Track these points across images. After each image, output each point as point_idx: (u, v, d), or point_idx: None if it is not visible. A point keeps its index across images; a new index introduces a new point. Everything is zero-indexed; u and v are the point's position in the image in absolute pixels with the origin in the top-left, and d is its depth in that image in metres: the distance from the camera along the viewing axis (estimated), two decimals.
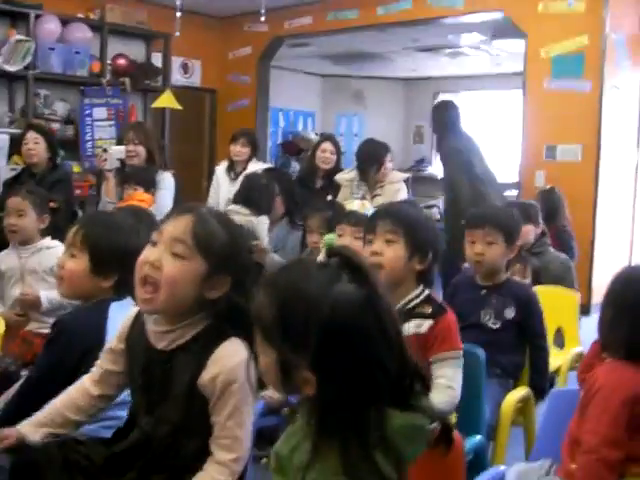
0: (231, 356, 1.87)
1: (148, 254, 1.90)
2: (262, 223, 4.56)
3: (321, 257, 1.52)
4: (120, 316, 2.22)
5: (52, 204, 3.92)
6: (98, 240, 2.43)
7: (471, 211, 3.57)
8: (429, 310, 2.52)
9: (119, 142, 5.48)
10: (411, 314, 2.52)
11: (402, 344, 1.46)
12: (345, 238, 3.68)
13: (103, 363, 2.14)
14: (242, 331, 1.89)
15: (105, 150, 5.26)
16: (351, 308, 1.38)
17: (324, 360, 1.37)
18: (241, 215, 4.54)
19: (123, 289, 2.40)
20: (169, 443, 1.94)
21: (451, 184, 6.45)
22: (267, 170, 5.32)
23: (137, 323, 2.06)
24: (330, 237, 3.78)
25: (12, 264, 3.77)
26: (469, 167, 6.38)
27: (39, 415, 2.14)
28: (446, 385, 2.42)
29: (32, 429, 2.10)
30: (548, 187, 6.50)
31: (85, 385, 2.16)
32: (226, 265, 1.88)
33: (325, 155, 5.90)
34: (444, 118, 6.93)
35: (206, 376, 1.87)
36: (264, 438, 3.19)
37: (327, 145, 5.98)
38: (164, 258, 1.86)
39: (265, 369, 1.45)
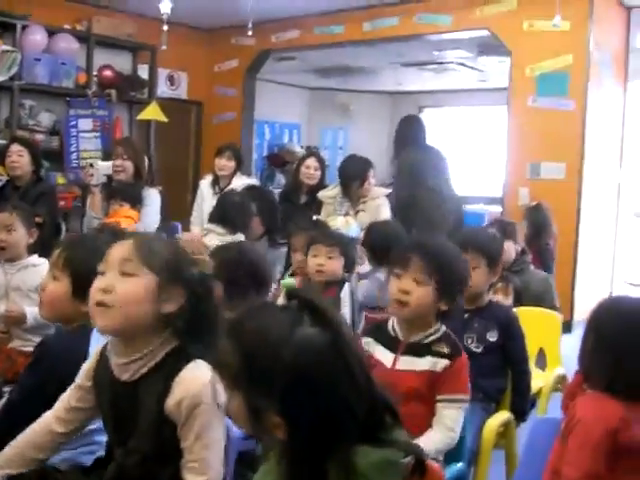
0: (194, 379, 1.88)
1: (98, 284, 1.93)
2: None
3: (281, 300, 1.55)
4: (101, 342, 2.21)
5: (37, 219, 3.92)
6: (79, 264, 2.42)
7: (453, 236, 3.59)
8: (446, 350, 2.49)
9: (106, 156, 5.49)
10: (427, 350, 2.51)
11: (370, 381, 1.45)
12: (320, 258, 3.70)
13: (71, 400, 2.11)
14: (206, 348, 1.91)
15: (92, 165, 5.26)
16: (313, 353, 1.38)
17: (290, 405, 1.36)
18: (217, 234, 4.55)
19: None
20: (142, 473, 1.94)
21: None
22: (248, 188, 5.32)
23: (102, 359, 2.06)
24: (288, 281, 3.82)
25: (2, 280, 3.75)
26: (416, 179, 6.38)
27: (2, 453, 2.10)
28: (449, 427, 2.43)
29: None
30: (535, 203, 6.49)
31: (48, 422, 2.12)
32: (175, 277, 1.92)
33: (309, 171, 5.92)
34: (406, 132, 6.95)
35: (171, 401, 1.88)
36: (245, 462, 3.19)
37: (311, 161, 6.00)
38: (115, 281, 1.90)
39: (235, 412, 1.45)
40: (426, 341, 2.52)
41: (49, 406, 2.25)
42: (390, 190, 6.09)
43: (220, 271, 2.91)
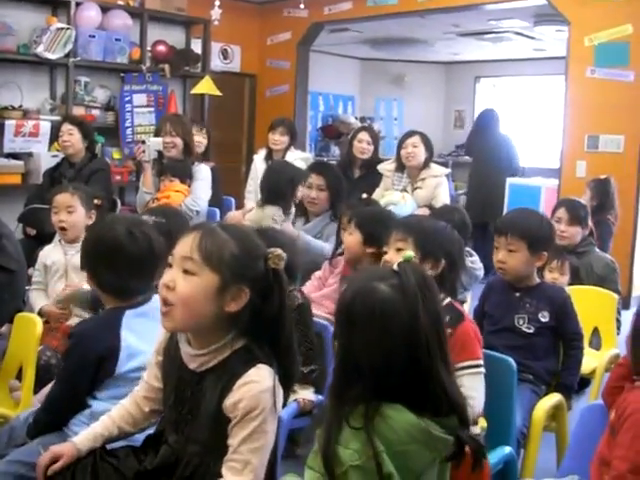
0: (256, 383, 1.86)
1: (164, 277, 1.93)
2: (268, 215, 4.61)
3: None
4: (133, 324, 2.35)
5: (96, 201, 3.96)
6: None
7: (500, 217, 3.55)
8: (446, 319, 2.48)
9: (157, 133, 5.52)
10: None
11: (437, 369, 1.64)
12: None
13: (148, 377, 2.17)
14: (272, 347, 1.92)
15: (144, 142, 5.32)
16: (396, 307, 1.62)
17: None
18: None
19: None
20: (197, 464, 1.95)
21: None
22: (315, 164, 5.27)
23: (173, 338, 2.08)
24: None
25: (57, 259, 3.81)
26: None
27: (95, 426, 2.19)
28: (466, 395, 2.39)
29: (87, 441, 2.15)
30: (603, 177, 6.33)
31: (136, 400, 2.20)
32: (239, 275, 1.87)
33: (362, 146, 5.91)
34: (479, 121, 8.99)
35: (230, 400, 1.87)
36: (294, 440, 3.23)
37: (363, 135, 5.98)
38: (177, 278, 1.89)
39: None
40: None
41: (90, 391, 2.39)
42: (449, 170, 6.07)
43: None
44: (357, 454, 1.56)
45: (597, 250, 4.77)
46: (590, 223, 4.80)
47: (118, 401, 2.29)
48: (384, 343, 1.61)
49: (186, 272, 1.88)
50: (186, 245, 1.90)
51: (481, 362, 2.49)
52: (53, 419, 2.44)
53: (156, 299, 2.26)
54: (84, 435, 2.18)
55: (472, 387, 2.42)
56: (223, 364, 1.92)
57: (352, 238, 3.67)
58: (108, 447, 2.20)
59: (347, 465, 1.56)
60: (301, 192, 4.79)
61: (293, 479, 1.82)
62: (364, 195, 4.23)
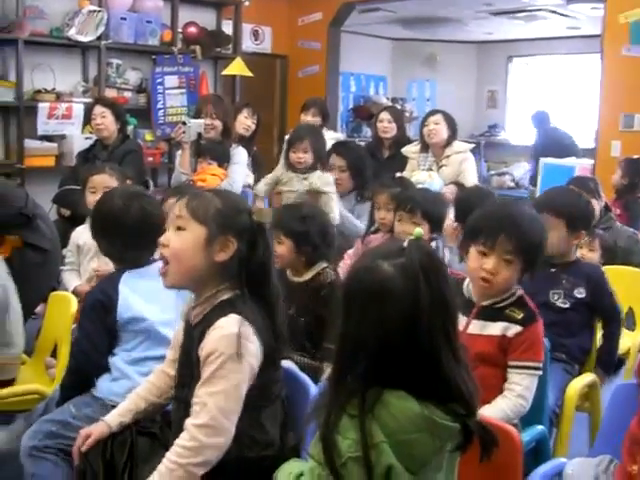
0: (219, 329, 1.94)
1: (160, 239, 2.09)
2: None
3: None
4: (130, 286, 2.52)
5: (128, 182, 3.98)
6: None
7: (540, 195, 3.51)
8: (520, 316, 2.43)
9: (194, 113, 5.53)
10: (500, 314, 2.46)
11: (440, 357, 1.57)
12: (403, 224, 3.62)
13: (173, 341, 2.25)
14: (262, 291, 2.04)
15: (184, 122, 5.32)
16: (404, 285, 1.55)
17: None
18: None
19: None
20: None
21: None
22: (336, 144, 5.27)
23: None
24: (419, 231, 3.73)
25: (89, 239, 3.83)
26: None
27: (123, 403, 2.26)
28: (519, 394, 2.38)
29: (116, 417, 2.21)
30: (636, 157, 6.25)
31: (161, 368, 2.28)
32: (225, 227, 2.02)
33: (383, 125, 5.93)
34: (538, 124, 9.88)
35: (200, 346, 1.97)
36: None
37: (384, 115, 6.01)
38: (171, 235, 2.06)
39: None
40: (500, 305, 2.47)
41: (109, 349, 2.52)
42: (473, 144, 6.03)
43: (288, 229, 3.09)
44: (355, 445, 1.51)
45: (618, 224, 4.81)
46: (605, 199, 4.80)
47: (131, 354, 2.48)
48: (382, 326, 1.54)
49: (178, 229, 2.05)
50: (177, 206, 2.08)
51: (541, 365, 2.45)
52: (76, 379, 2.56)
53: (156, 265, 2.42)
54: (113, 412, 2.24)
55: (527, 387, 2.40)
56: (208, 315, 2.03)
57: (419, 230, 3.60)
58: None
59: (346, 457, 1.51)
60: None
61: (296, 464, 1.80)
62: (397, 174, 4.22)
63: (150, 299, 2.54)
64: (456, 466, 1.67)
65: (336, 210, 4.52)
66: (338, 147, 5.15)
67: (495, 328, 2.44)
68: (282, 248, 3.10)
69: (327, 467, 1.53)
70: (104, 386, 2.47)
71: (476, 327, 2.47)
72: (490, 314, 2.47)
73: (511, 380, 2.41)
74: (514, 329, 2.42)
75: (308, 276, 3.16)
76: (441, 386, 1.56)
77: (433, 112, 5.74)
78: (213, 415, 1.89)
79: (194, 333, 2.04)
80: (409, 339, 1.54)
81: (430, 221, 3.57)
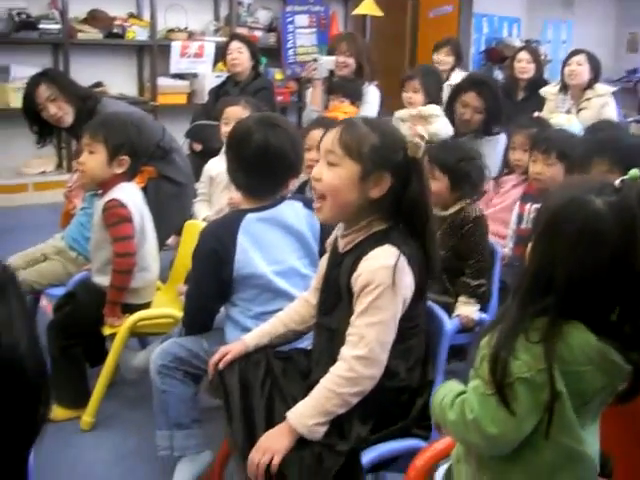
0: (376, 259, 1.91)
1: (312, 171, 2.05)
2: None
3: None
4: (251, 227, 2.44)
5: None
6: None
7: None
8: None
9: (330, 52, 5.49)
10: None
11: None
12: (537, 165, 3.48)
13: (319, 269, 2.23)
14: (414, 233, 1.99)
15: (316, 59, 5.29)
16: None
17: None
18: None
19: None
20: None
21: None
22: (477, 81, 5.01)
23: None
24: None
25: (222, 170, 3.85)
26: None
27: (263, 325, 2.28)
28: None
29: (254, 338, 2.23)
30: None
31: (306, 296, 2.27)
32: (379, 164, 1.95)
33: (521, 65, 5.84)
34: None
35: (354, 275, 1.94)
36: (456, 355, 3.18)
37: (523, 54, 5.95)
38: (323, 170, 2.01)
39: None
40: None
41: (224, 289, 2.46)
42: (615, 88, 5.76)
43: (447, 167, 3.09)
44: (526, 366, 1.47)
45: None
46: None
47: (251, 307, 2.43)
48: (588, 262, 1.48)
49: (330, 164, 1.99)
50: (329, 139, 2.01)
51: None
52: (190, 323, 2.57)
53: (282, 208, 2.44)
54: (251, 333, 2.26)
55: None
56: (358, 245, 2.00)
57: (553, 170, 3.46)
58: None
59: (515, 377, 1.48)
60: None
61: (454, 384, 1.75)
62: (535, 114, 4.04)
63: (269, 250, 2.45)
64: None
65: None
66: (477, 83, 4.57)
67: None
68: (437, 184, 3.02)
69: (493, 386, 1.50)
70: (232, 335, 2.44)
71: None
72: None
73: None
74: None
75: (452, 210, 3.12)
76: (628, 330, 1.50)
77: (576, 52, 5.59)
78: (372, 347, 1.89)
79: (344, 261, 2.02)
80: (613, 280, 1.48)
81: (566, 163, 3.40)
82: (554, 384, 1.46)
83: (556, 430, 1.49)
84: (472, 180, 3.11)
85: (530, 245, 1.59)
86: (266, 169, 2.46)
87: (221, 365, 2.16)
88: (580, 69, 5.39)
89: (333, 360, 1.95)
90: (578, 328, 1.49)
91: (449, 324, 2.29)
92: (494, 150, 4.23)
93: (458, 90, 4.51)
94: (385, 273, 1.88)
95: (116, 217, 3.02)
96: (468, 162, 3.13)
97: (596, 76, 5.46)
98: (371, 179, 1.96)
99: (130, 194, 3.10)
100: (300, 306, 2.27)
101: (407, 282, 1.93)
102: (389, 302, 1.89)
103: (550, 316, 1.49)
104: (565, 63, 5.51)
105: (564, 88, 5.48)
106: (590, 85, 5.42)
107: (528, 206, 3.56)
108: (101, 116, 3.51)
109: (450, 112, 4.49)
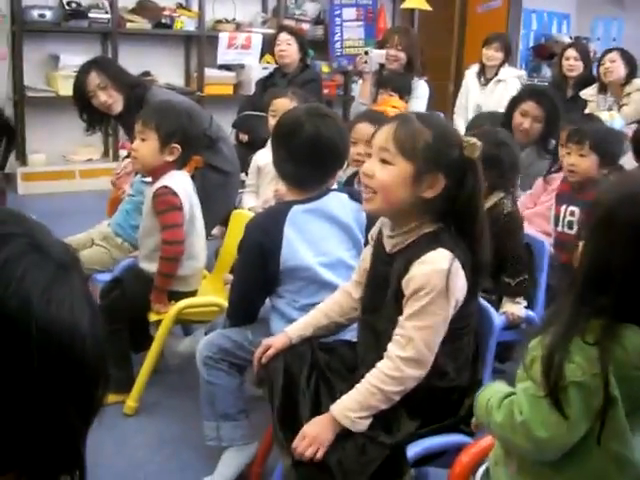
0: (430, 263, 1.89)
1: (364, 166, 2.03)
2: None
3: None
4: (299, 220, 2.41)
5: None
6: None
7: None
8: None
9: (381, 45, 5.48)
10: None
11: None
12: (571, 157, 3.43)
13: (361, 264, 2.22)
14: (464, 235, 1.96)
15: (366, 52, 5.28)
16: None
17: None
18: None
19: None
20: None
21: None
22: (536, 92, 4.85)
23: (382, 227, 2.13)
24: None
25: (270, 161, 3.84)
26: None
27: (305, 317, 2.28)
28: None
29: (297, 330, 2.23)
30: None
31: (345, 288, 2.27)
32: (433, 163, 1.92)
33: (569, 62, 5.83)
34: None
35: (405, 278, 1.92)
36: (503, 352, 3.15)
37: (570, 52, 5.90)
38: (375, 166, 1.97)
39: None
40: None
41: (269, 282, 2.44)
42: None
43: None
44: (580, 370, 1.43)
45: None
46: None
47: (297, 299, 2.41)
48: None
49: (383, 161, 1.96)
50: (382, 135, 1.98)
51: None
52: (235, 313, 2.56)
53: (328, 200, 2.41)
54: (294, 325, 2.26)
55: None
56: (411, 246, 1.98)
57: (587, 161, 3.40)
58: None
59: (569, 380, 1.44)
60: None
61: (502, 385, 1.72)
62: (586, 110, 3.97)
63: (315, 242, 2.43)
64: None
65: None
66: (536, 93, 4.45)
67: None
68: None
69: (546, 388, 1.46)
70: (278, 327, 2.42)
71: None
72: None
73: None
74: None
75: (487, 205, 3.05)
76: None
77: (609, 50, 5.68)
78: (419, 350, 1.90)
79: (395, 262, 1.99)
80: None
81: (600, 154, 3.37)
82: (608, 389, 1.42)
83: (607, 436, 1.46)
84: (503, 167, 3.00)
85: (581, 244, 1.56)
86: (316, 160, 2.43)
87: (264, 359, 2.16)
88: (614, 65, 5.45)
89: (379, 358, 1.95)
90: (634, 330, 1.45)
91: (497, 319, 2.27)
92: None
93: (517, 100, 4.39)
94: (438, 277, 1.87)
95: (166, 204, 3.03)
96: (504, 147, 3.05)
97: (632, 70, 5.51)
98: (424, 180, 1.92)
99: (181, 182, 3.11)
100: (341, 297, 2.26)
101: (460, 286, 1.92)
102: (440, 307, 1.89)
103: (606, 318, 1.45)
104: (599, 63, 5.59)
105: (602, 88, 5.53)
106: (628, 80, 5.47)
107: (563, 208, 3.51)
108: (154, 104, 3.53)
109: (508, 122, 4.35)
